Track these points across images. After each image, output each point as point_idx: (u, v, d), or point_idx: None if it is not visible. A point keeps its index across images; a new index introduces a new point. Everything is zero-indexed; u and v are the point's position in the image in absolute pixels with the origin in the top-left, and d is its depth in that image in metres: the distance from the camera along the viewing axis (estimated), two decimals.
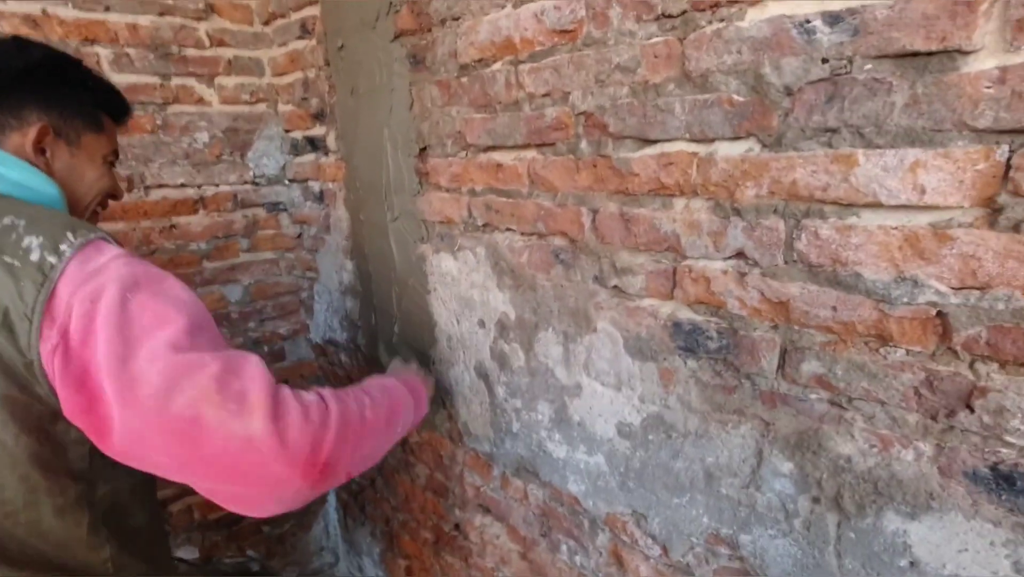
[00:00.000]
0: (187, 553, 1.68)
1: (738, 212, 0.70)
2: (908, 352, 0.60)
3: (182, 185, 1.57)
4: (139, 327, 0.62)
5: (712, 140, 0.71)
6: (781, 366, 0.70)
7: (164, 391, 0.61)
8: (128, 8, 1.42)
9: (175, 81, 1.52)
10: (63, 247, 0.64)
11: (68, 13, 1.35)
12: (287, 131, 1.68)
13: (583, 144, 0.86)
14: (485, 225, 1.07)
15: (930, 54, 0.54)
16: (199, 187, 1.60)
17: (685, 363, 0.80)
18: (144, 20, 1.44)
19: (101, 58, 1.40)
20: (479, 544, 1.35)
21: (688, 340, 0.79)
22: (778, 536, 0.74)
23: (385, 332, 1.44)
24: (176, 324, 0.64)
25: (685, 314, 0.79)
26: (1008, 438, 0.54)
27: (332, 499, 2.01)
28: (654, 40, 0.74)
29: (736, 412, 0.76)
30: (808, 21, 0.60)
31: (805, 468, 0.70)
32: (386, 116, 1.23)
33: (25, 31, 1.30)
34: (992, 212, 0.53)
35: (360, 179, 1.37)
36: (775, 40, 0.63)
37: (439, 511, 1.47)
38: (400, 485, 1.61)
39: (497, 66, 0.97)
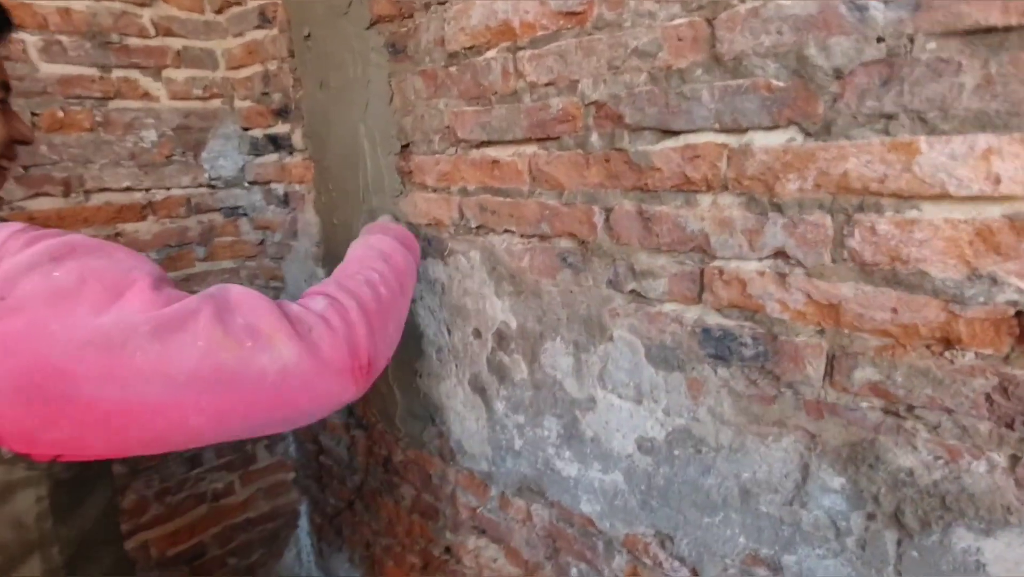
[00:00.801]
0: None
1: (778, 207, 0.64)
2: (978, 355, 0.55)
3: (128, 189, 1.41)
4: (92, 297, 0.52)
5: (746, 130, 0.65)
6: (828, 373, 0.65)
7: (162, 352, 0.53)
8: None
9: (116, 73, 1.36)
10: None
11: None
12: (245, 129, 1.54)
13: (594, 137, 0.79)
14: (479, 227, 0.99)
15: (1008, 29, 0.49)
16: (147, 191, 1.45)
17: (716, 372, 0.74)
18: (78, 5, 1.29)
19: (28, 45, 1.24)
20: (474, 568, 1.26)
21: (719, 347, 0.73)
22: (827, 556, 0.68)
23: None
24: (135, 280, 0.54)
25: (715, 319, 0.73)
26: None
27: (304, 524, 1.88)
28: (677, 21, 0.67)
29: (776, 424, 0.70)
30: None
31: (859, 483, 0.64)
32: (362, 111, 1.13)
33: None
34: None
35: (333, 180, 1.26)
36: (822, 18, 0.57)
37: (428, 534, 1.37)
38: (383, 507, 1.50)
39: (492, 53, 0.88)
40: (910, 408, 0.60)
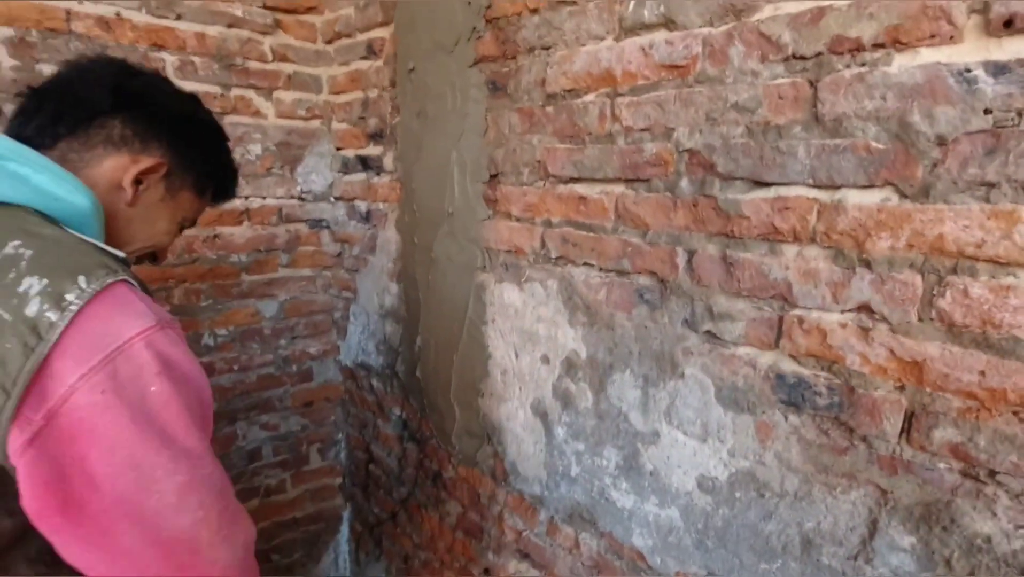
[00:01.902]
0: None
1: (866, 263, 0.67)
2: None
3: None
4: (159, 431, 0.54)
5: (839, 187, 0.68)
6: (906, 430, 0.65)
7: (175, 505, 0.54)
8: (198, 18, 1.42)
9: (235, 92, 1.51)
10: (69, 298, 0.50)
11: (140, 18, 1.34)
12: (338, 149, 1.66)
13: (684, 182, 0.83)
14: (559, 258, 1.04)
15: None
16: (246, 199, 1.57)
17: (787, 418, 0.76)
18: (212, 30, 1.44)
19: (167, 64, 1.39)
20: None
21: (792, 394, 0.75)
22: None
23: (428, 361, 1.39)
24: (193, 427, 0.57)
25: (789, 366, 0.75)
26: None
27: (345, 530, 1.92)
28: (779, 81, 0.72)
29: (846, 476, 0.70)
30: (968, 70, 0.58)
31: (931, 544, 0.64)
32: (455, 141, 1.21)
33: (97, 32, 1.29)
34: None
35: (418, 202, 1.35)
36: (928, 88, 0.61)
37: (469, 553, 1.39)
38: (426, 521, 1.53)
39: (590, 97, 0.95)
40: (992, 473, 0.60)
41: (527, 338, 1.12)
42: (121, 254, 0.63)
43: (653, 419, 0.91)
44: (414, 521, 1.58)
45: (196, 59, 1.43)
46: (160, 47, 1.38)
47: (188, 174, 0.74)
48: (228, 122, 1.50)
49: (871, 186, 0.66)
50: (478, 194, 1.18)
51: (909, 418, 0.65)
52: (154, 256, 0.79)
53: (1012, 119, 0.56)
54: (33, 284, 0.50)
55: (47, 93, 0.66)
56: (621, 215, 0.92)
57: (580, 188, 0.99)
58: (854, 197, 0.67)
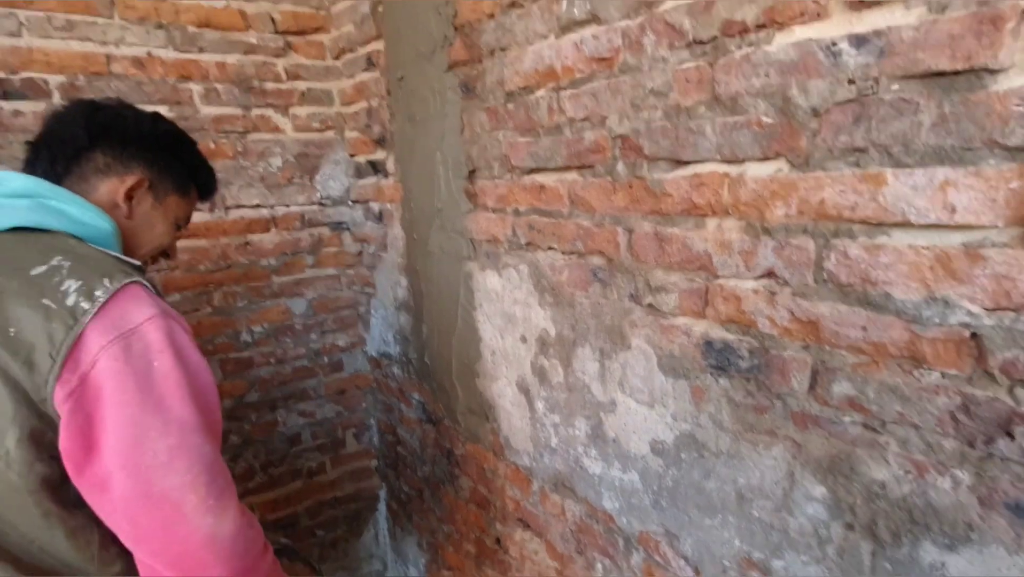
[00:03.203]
0: None
1: (768, 232, 0.71)
2: (943, 375, 0.58)
3: (257, 206, 1.71)
4: (157, 397, 0.66)
5: (742, 161, 0.73)
6: (812, 387, 0.69)
7: (163, 466, 0.65)
8: (218, 48, 1.58)
9: (255, 112, 1.67)
10: (98, 293, 0.66)
11: (169, 55, 1.52)
12: (352, 155, 1.80)
13: (619, 166, 0.89)
14: (528, 244, 1.11)
15: (956, 73, 0.54)
16: (272, 207, 1.74)
17: (717, 381, 0.80)
18: (231, 59, 1.61)
19: (194, 93, 1.57)
20: (519, 559, 1.37)
21: (720, 359, 0.79)
22: (811, 563, 0.72)
23: (433, 346, 1.50)
24: (189, 401, 0.68)
25: (717, 333, 0.80)
26: None
27: (382, 508, 2.08)
28: (685, 65, 0.77)
29: (768, 433, 0.75)
30: (834, 44, 0.61)
31: (838, 493, 0.68)
32: (439, 141, 1.31)
33: (132, 71, 1.48)
34: None
35: (415, 200, 1.46)
36: (802, 63, 0.64)
37: (481, 524, 1.49)
38: (445, 497, 1.65)
39: (540, 92, 1.01)
40: (883, 423, 0.63)
41: (508, 320, 1.20)
42: (136, 262, 0.79)
43: (610, 389, 0.98)
44: (436, 497, 1.70)
45: (219, 86, 1.60)
46: (187, 78, 1.56)
47: (168, 181, 0.87)
48: (251, 140, 1.67)
49: (766, 158, 0.70)
50: (460, 189, 1.27)
51: (814, 375, 0.69)
52: (166, 254, 0.93)
53: (871, 87, 0.59)
54: (72, 285, 0.66)
55: (39, 143, 0.80)
56: (574, 200, 0.99)
57: (540, 178, 1.06)
58: (753, 169, 0.71)
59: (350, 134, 1.79)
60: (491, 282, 1.23)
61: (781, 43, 0.66)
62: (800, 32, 0.64)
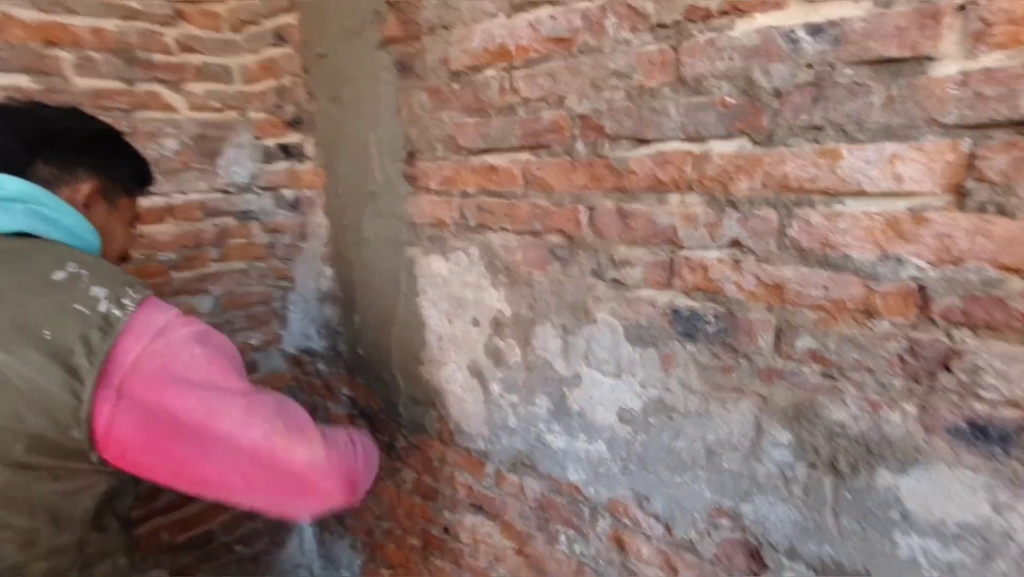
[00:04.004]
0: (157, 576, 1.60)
1: (733, 204, 0.77)
2: (892, 324, 0.67)
3: (149, 193, 1.52)
4: (212, 373, 0.73)
5: (706, 139, 0.78)
6: (777, 344, 0.76)
7: (243, 426, 0.72)
8: (92, 11, 1.37)
9: (142, 87, 1.48)
10: (126, 302, 0.69)
11: (29, 15, 1.29)
12: (258, 138, 1.66)
13: (579, 145, 0.91)
14: (478, 226, 1.10)
15: (903, 60, 0.62)
16: (167, 195, 1.56)
17: (684, 347, 0.86)
18: (109, 24, 1.40)
19: (63, 62, 1.35)
20: (471, 544, 1.36)
21: (687, 326, 0.85)
22: (778, 502, 0.80)
23: (368, 338, 1.44)
24: (236, 372, 0.76)
25: (683, 301, 0.85)
26: (982, 393, 0.62)
27: None
28: (649, 48, 0.80)
29: (735, 390, 0.82)
30: (793, 31, 0.67)
31: (802, 436, 0.76)
32: (372, 122, 1.25)
33: None
34: (960, 196, 0.61)
35: (343, 185, 1.38)
36: (764, 48, 0.70)
37: (427, 515, 1.47)
38: (384, 492, 1.59)
39: (490, 72, 1.00)
40: (841, 370, 0.72)
41: (457, 304, 1.18)
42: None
43: (574, 364, 1.00)
44: (373, 494, 1.64)
45: (95, 55, 1.39)
46: (54, 44, 1.34)
47: (117, 184, 0.88)
48: (138, 118, 1.48)
49: (730, 136, 0.75)
50: (398, 172, 1.22)
51: (778, 333, 0.76)
52: (124, 258, 0.95)
53: (828, 71, 0.66)
54: (100, 292, 0.68)
55: None
56: (529, 180, 1.00)
57: (490, 159, 1.05)
58: (717, 147, 0.77)
59: (255, 115, 1.64)
60: (437, 266, 1.20)
61: (743, 29, 0.71)
62: (761, 19, 0.70)
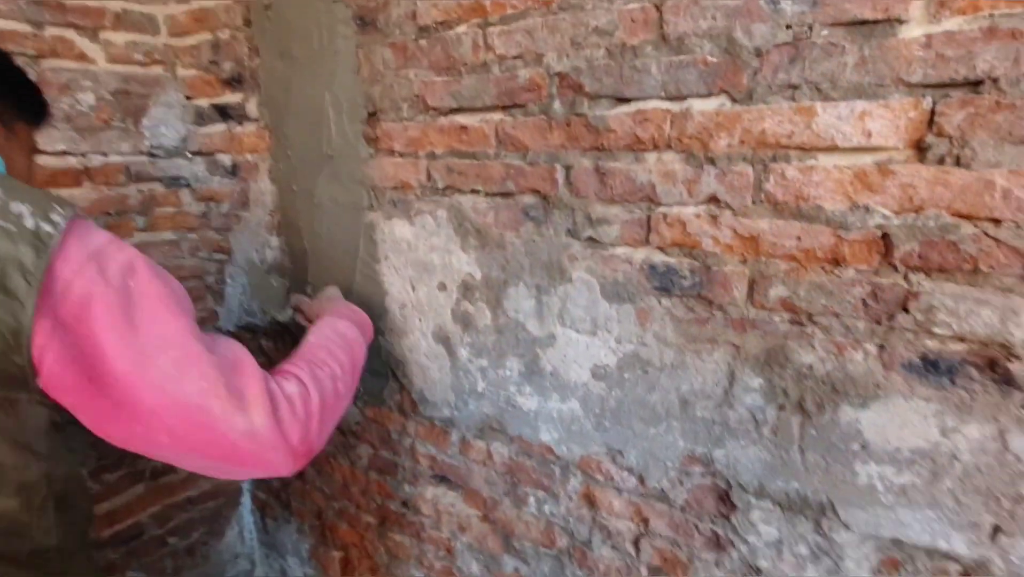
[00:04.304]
0: None
1: (711, 161, 0.80)
2: (857, 270, 0.73)
3: (63, 153, 1.36)
4: (145, 312, 0.66)
5: (686, 97, 0.80)
6: (750, 294, 0.81)
7: (175, 377, 0.66)
8: None
9: (51, 31, 1.31)
10: (55, 217, 0.63)
11: None
12: (189, 98, 1.53)
13: (556, 104, 0.91)
14: (447, 188, 1.08)
15: (875, 22, 0.66)
16: (83, 155, 1.40)
17: (660, 302, 0.89)
18: None
19: None
20: (432, 516, 1.35)
21: (663, 280, 0.88)
22: (749, 445, 0.85)
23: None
24: (175, 312, 0.69)
25: (659, 257, 0.88)
26: (935, 331, 0.69)
27: (247, 501, 1.86)
28: (631, 6, 0.81)
29: (709, 340, 0.86)
30: None
31: (773, 380, 0.81)
32: (328, 80, 1.18)
33: None
34: (921, 150, 0.67)
35: (293, 148, 1.30)
36: (746, 8, 0.73)
37: (385, 490, 1.44)
38: (336, 471, 1.54)
39: (462, 28, 0.98)
40: (810, 316, 0.77)
41: (422, 269, 1.16)
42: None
43: (548, 324, 1.01)
44: (324, 474, 1.58)
45: None
46: None
47: (10, 107, 0.79)
48: (48, 67, 1.32)
49: (710, 95, 0.78)
50: (358, 133, 1.17)
51: (751, 284, 0.81)
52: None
53: (806, 32, 0.70)
54: (22, 208, 0.62)
55: None
56: (502, 140, 0.99)
57: (460, 118, 1.03)
58: (698, 105, 0.79)
59: (185, 72, 1.51)
60: (400, 231, 1.17)
61: None
62: None
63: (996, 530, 0.69)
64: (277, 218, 1.41)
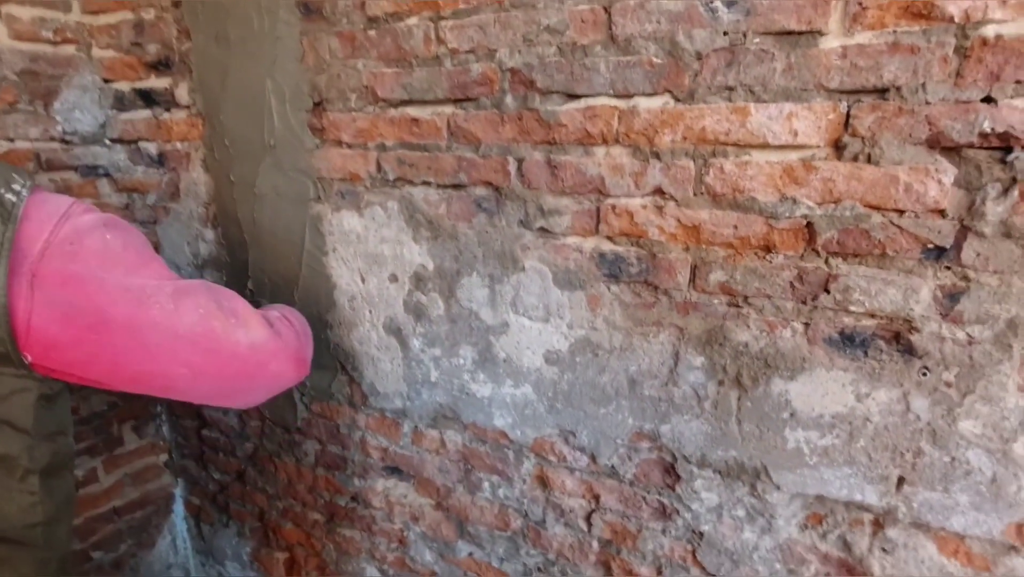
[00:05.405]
0: None
1: (656, 155, 0.86)
2: (785, 256, 0.81)
3: None
4: (130, 259, 0.70)
5: (632, 95, 0.85)
6: (693, 279, 0.88)
7: (174, 310, 0.70)
8: None
9: None
10: (16, 187, 0.64)
11: None
12: (107, 81, 1.42)
13: (508, 98, 0.94)
14: (397, 179, 1.08)
15: (800, 33, 0.74)
16: None
17: (609, 288, 0.94)
18: None
19: None
20: (384, 508, 1.35)
21: (612, 268, 0.93)
22: (692, 419, 0.92)
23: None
24: (153, 255, 0.74)
25: (608, 246, 0.93)
26: (851, 308, 0.78)
27: (179, 508, 1.77)
28: (581, 7, 0.85)
29: (655, 324, 0.92)
30: (712, 2, 0.77)
31: (713, 358, 0.88)
32: (269, 67, 1.15)
33: None
34: (839, 148, 0.75)
35: (230, 136, 1.25)
36: (687, 14, 0.79)
37: (334, 486, 1.42)
38: (281, 470, 1.50)
39: (413, 20, 0.99)
40: (746, 298, 0.85)
41: (372, 261, 1.15)
42: None
43: (501, 312, 1.04)
44: (266, 473, 1.54)
45: None
46: None
47: None
48: None
49: (655, 93, 0.84)
50: (302, 123, 1.15)
51: (693, 270, 0.87)
52: None
53: (740, 39, 0.77)
54: None
55: None
56: (454, 133, 1.00)
57: (411, 110, 1.04)
58: (644, 103, 0.85)
59: (102, 53, 1.41)
60: (349, 223, 1.16)
61: None
62: None
63: (901, 481, 0.80)
64: (213, 210, 1.35)
